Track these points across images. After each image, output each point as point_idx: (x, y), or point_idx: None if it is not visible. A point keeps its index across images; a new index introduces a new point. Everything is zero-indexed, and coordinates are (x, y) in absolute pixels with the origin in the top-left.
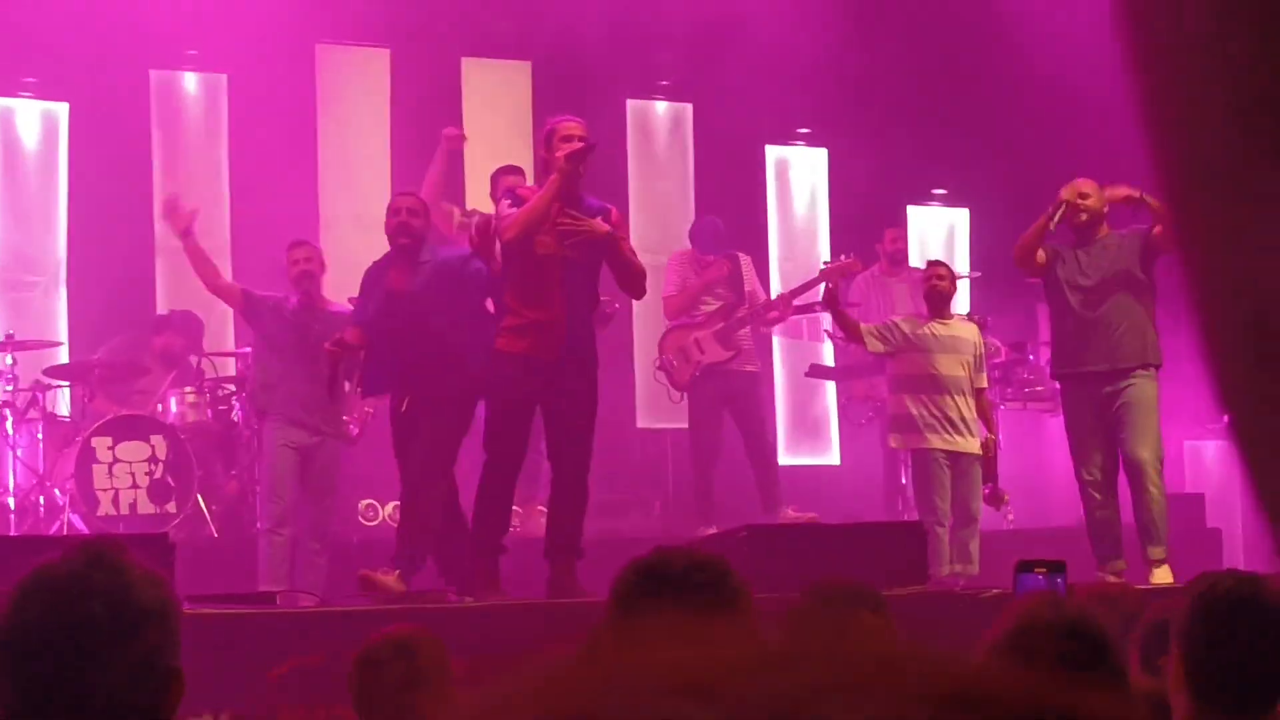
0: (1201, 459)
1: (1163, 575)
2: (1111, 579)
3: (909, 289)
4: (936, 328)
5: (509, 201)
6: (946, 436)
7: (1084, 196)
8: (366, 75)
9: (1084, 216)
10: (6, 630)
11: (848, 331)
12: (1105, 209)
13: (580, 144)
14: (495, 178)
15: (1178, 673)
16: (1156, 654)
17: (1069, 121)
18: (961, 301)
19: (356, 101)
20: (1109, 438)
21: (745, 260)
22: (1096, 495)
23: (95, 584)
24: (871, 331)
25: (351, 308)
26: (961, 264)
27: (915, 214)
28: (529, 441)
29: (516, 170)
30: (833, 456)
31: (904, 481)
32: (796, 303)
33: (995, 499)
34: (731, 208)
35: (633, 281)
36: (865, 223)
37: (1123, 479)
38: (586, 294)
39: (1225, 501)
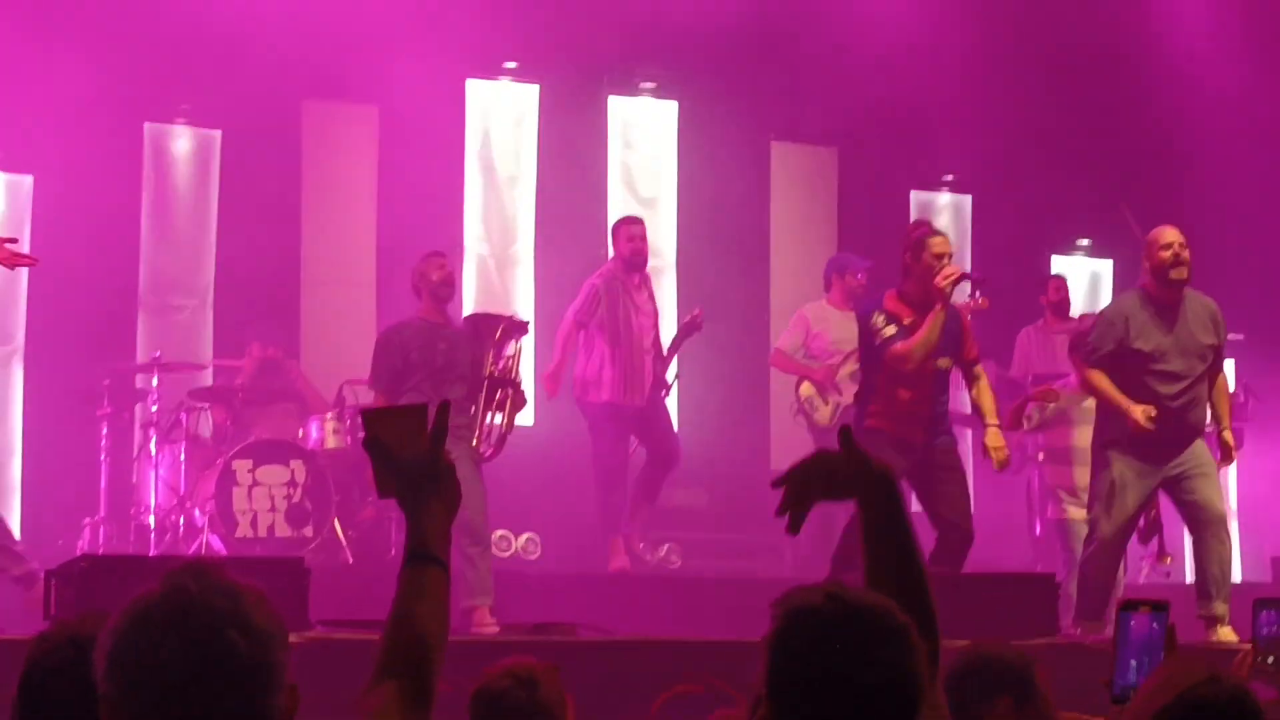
0: None
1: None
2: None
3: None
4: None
5: (884, 319)
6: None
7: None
8: (516, 108)
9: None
10: (128, 660)
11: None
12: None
13: (957, 270)
14: (617, 229)
15: None
16: None
17: (1218, 174)
18: None
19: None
20: None
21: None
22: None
23: (221, 609)
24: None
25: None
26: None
27: (1059, 263)
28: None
29: (636, 220)
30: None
31: (1038, 534)
32: None
33: (1160, 556)
34: (877, 253)
35: None
36: (1009, 270)
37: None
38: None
39: None
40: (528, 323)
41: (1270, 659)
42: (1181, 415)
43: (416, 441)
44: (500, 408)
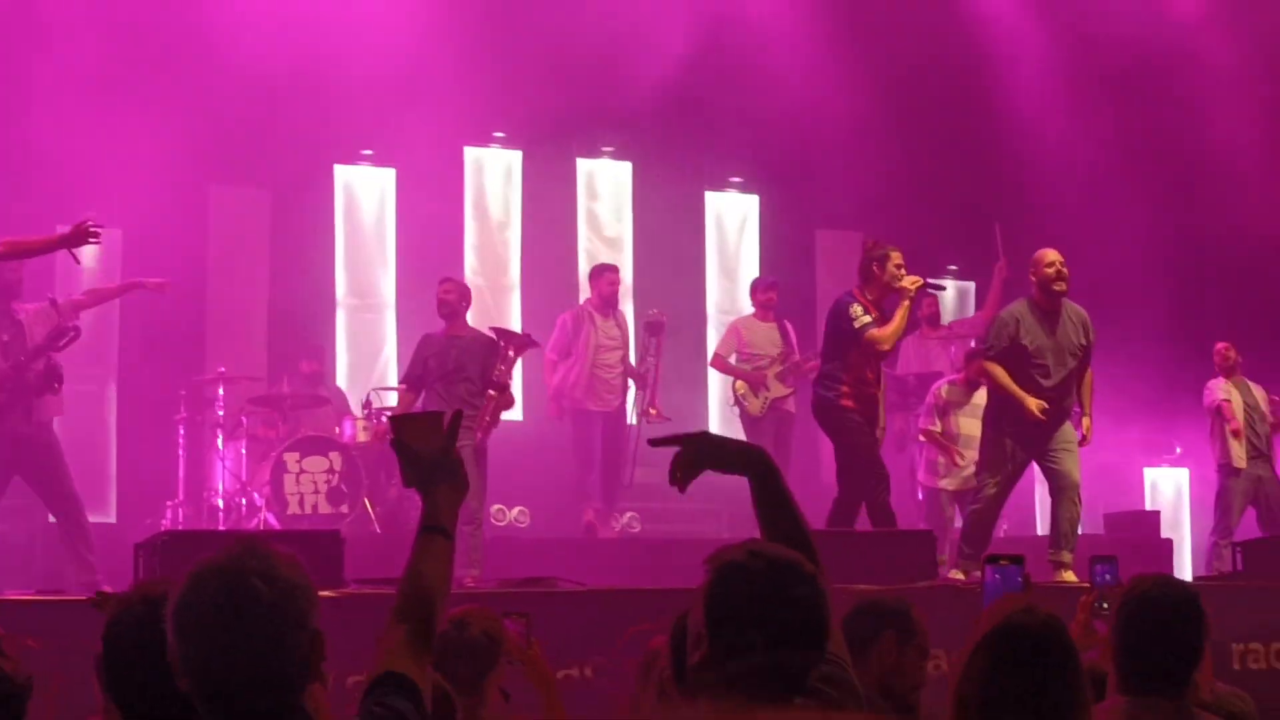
0: (1157, 483)
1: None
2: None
3: (940, 344)
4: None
5: (861, 309)
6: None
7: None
8: (504, 169)
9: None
10: (185, 608)
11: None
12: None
13: (919, 279)
14: (599, 274)
15: (1111, 654)
16: None
17: (1055, 207)
18: None
19: (494, 188)
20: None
21: (789, 327)
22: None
23: (251, 567)
24: None
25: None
26: None
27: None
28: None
29: (615, 268)
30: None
31: (920, 498)
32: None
33: None
34: (788, 278)
35: None
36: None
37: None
38: None
39: (1175, 518)
40: (535, 341)
41: (1104, 604)
42: (1057, 402)
43: (433, 439)
44: (495, 406)
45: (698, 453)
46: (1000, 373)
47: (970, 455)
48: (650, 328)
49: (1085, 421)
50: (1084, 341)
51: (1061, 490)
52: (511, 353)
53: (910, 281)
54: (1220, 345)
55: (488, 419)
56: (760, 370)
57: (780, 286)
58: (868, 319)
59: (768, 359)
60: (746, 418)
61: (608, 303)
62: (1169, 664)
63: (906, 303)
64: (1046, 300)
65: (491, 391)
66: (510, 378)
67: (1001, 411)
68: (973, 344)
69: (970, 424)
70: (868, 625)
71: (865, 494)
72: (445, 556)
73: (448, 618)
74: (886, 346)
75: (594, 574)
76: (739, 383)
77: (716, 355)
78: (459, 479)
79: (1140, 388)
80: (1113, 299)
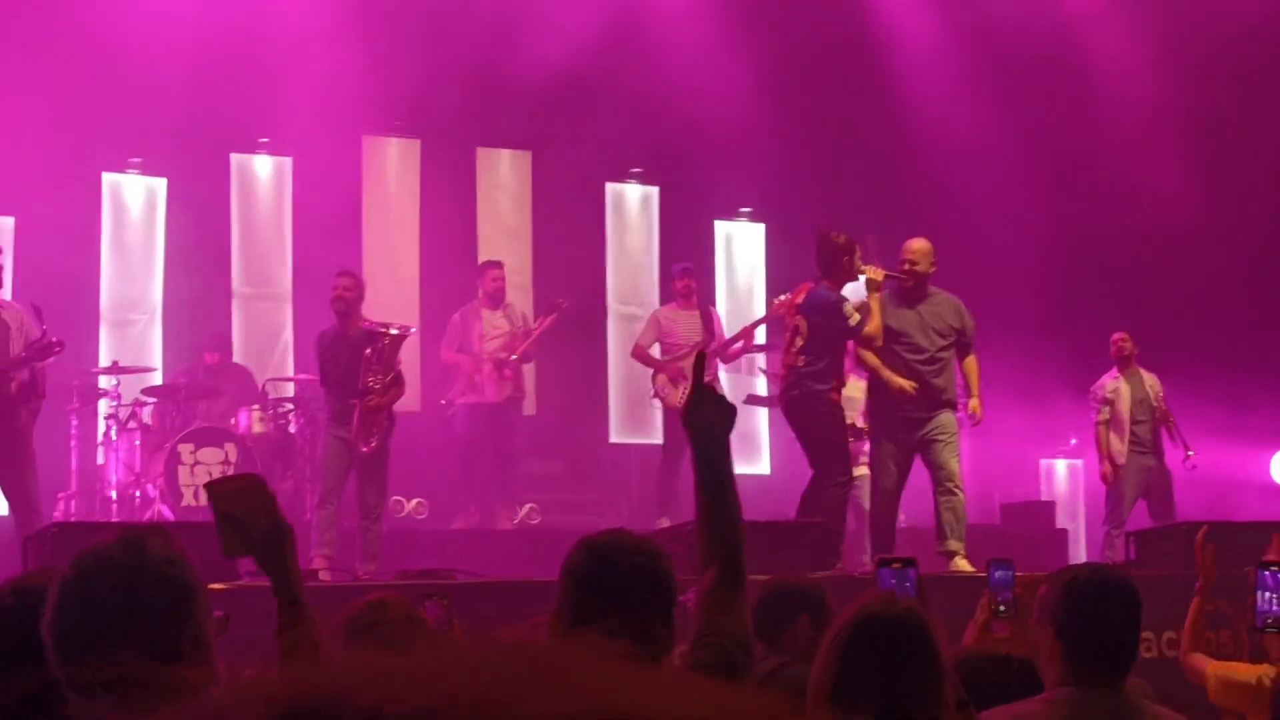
0: (1052, 473)
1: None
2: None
3: None
4: None
5: (851, 306)
6: None
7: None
8: (403, 159)
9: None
10: (65, 599)
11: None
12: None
13: (884, 271)
14: (484, 271)
15: (1051, 647)
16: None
17: (964, 201)
18: None
19: (395, 179)
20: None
21: (715, 314)
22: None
23: (128, 556)
24: None
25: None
26: None
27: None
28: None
29: (499, 264)
30: (763, 467)
31: None
32: (737, 347)
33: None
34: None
35: None
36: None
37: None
38: None
39: (1070, 508)
40: (410, 330)
41: (1001, 606)
42: (928, 381)
43: (260, 510)
44: (366, 411)
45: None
46: (870, 356)
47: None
48: (546, 306)
49: (973, 402)
50: (957, 325)
51: (939, 482)
52: (369, 351)
53: (875, 272)
54: (1116, 336)
55: (384, 419)
56: (679, 361)
57: (696, 272)
58: (859, 317)
59: (688, 348)
60: (668, 411)
61: (493, 298)
62: (1114, 653)
63: (877, 294)
64: (905, 286)
65: (354, 400)
66: (381, 380)
67: (878, 403)
68: None
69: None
70: (783, 609)
71: (836, 490)
72: (311, 633)
73: (365, 601)
74: (879, 342)
75: (492, 565)
76: (659, 375)
77: (637, 346)
78: (293, 543)
79: (1035, 378)
80: (1008, 287)
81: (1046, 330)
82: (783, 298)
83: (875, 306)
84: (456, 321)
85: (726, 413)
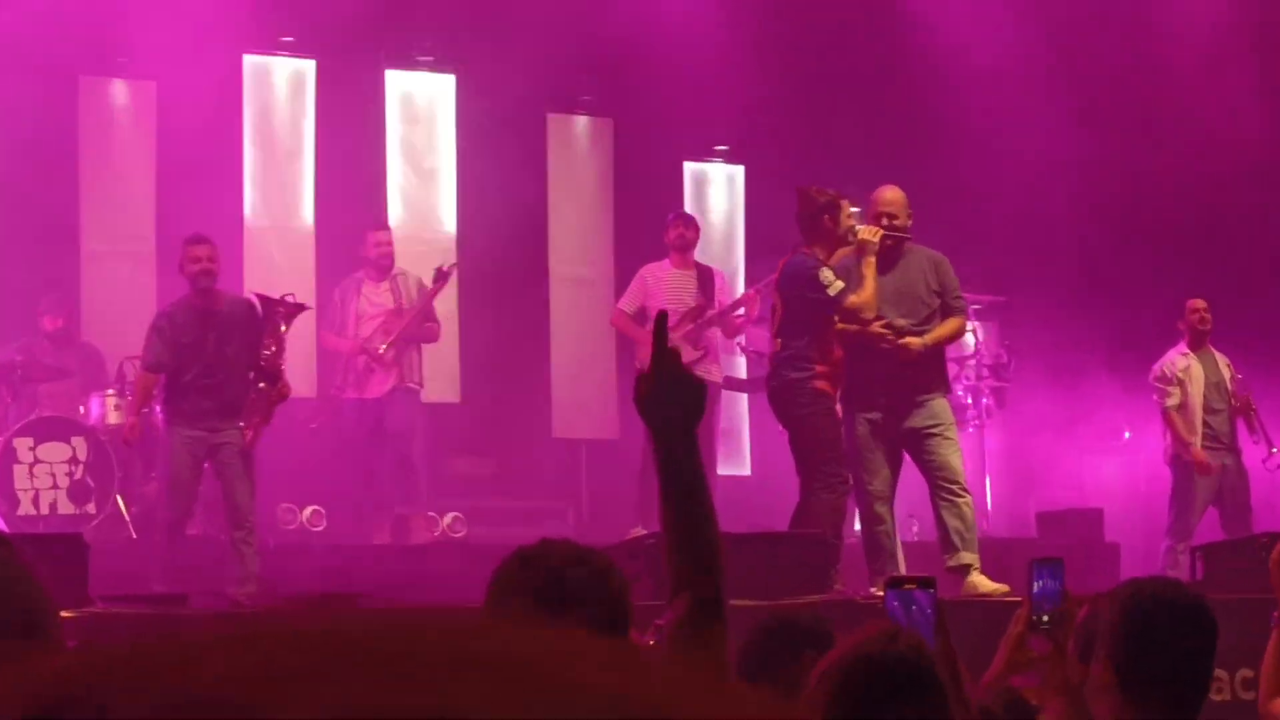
0: (1100, 474)
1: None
2: None
3: None
4: None
5: (832, 274)
6: None
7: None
8: (294, 84)
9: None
10: None
11: None
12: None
13: (880, 229)
14: (366, 235)
15: (1103, 681)
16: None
17: (984, 144)
18: None
19: (281, 109)
20: None
21: (719, 274)
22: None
23: None
24: None
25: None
26: None
27: None
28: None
29: (384, 228)
30: (744, 467)
31: None
32: (741, 315)
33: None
34: (649, 224)
35: None
36: (783, 238)
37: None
38: None
39: (1123, 516)
40: (306, 305)
41: (1044, 617)
42: (902, 364)
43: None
44: (264, 397)
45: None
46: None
47: None
48: (436, 275)
49: (913, 340)
50: (936, 286)
51: (938, 484)
52: (283, 326)
53: (870, 232)
54: (1194, 303)
55: (258, 418)
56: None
57: (696, 223)
58: (841, 284)
59: (678, 315)
60: None
61: (378, 267)
62: (1181, 694)
63: (871, 259)
64: (884, 247)
65: (262, 384)
66: (283, 359)
67: (854, 382)
68: None
69: None
70: (783, 647)
71: (827, 496)
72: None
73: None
74: (870, 314)
75: (408, 589)
76: (643, 350)
77: (617, 312)
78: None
79: (1077, 356)
80: (1040, 246)
81: (1090, 298)
82: None
83: (869, 273)
84: (336, 299)
85: (695, 396)
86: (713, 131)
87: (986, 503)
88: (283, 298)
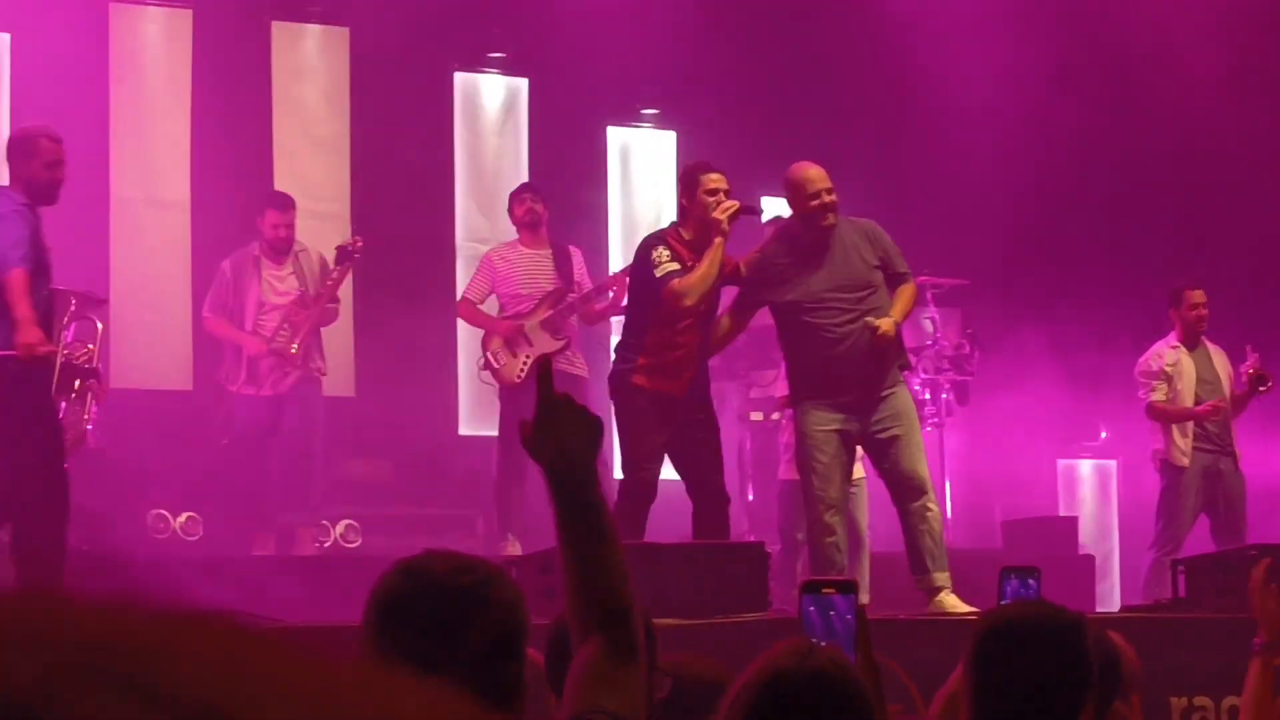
0: (1074, 478)
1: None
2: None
3: None
4: None
5: (668, 254)
6: None
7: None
8: (168, 38)
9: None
10: None
11: None
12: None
13: (735, 204)
14: (264, 210)
15: (967, 705)
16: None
17: (949, 118)
18: None
19: (155, 67)
20: None
21: (576, 253)
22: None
23: None
24: None
25: None
26: None
27: (772, 206)
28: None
29: (287, 205)
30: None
31: (750, 499)
32: (606, 301)
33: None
34: (569, 193)
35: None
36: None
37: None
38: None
39: (1100, 525)
40: (105, 300)
41: None
42: (853, 351)
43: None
44: (79, 399)
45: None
46: (727, 321)
47: None
48: (339, 255)
49: (884, 321)
50: (875, 262)
51: (904, 494)
52: (95, 321)
53: (722, 210)
54: (1194, 296)
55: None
56: (523, 319)
57: (548, 196)
58: (673, 266)
59: (533, 301)
60: (504, 388)
61: (275, 248)
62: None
63: (719, 240)
64: (809, 234)
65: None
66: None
67: (801, 371)
68: None
69: None
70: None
71: (622, 499)
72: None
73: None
74: (689, 301)
75: (293, 605)
76: (493, 339)
77: (464, 300)
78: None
79: (1051, 347)
80: (1008, 224)
81: (1064, 282)
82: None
83: (711, 254)
84: (226, 273)
85: (590, 429)
86: (642, 93)
87: (947, 510)
88: (74, 292)
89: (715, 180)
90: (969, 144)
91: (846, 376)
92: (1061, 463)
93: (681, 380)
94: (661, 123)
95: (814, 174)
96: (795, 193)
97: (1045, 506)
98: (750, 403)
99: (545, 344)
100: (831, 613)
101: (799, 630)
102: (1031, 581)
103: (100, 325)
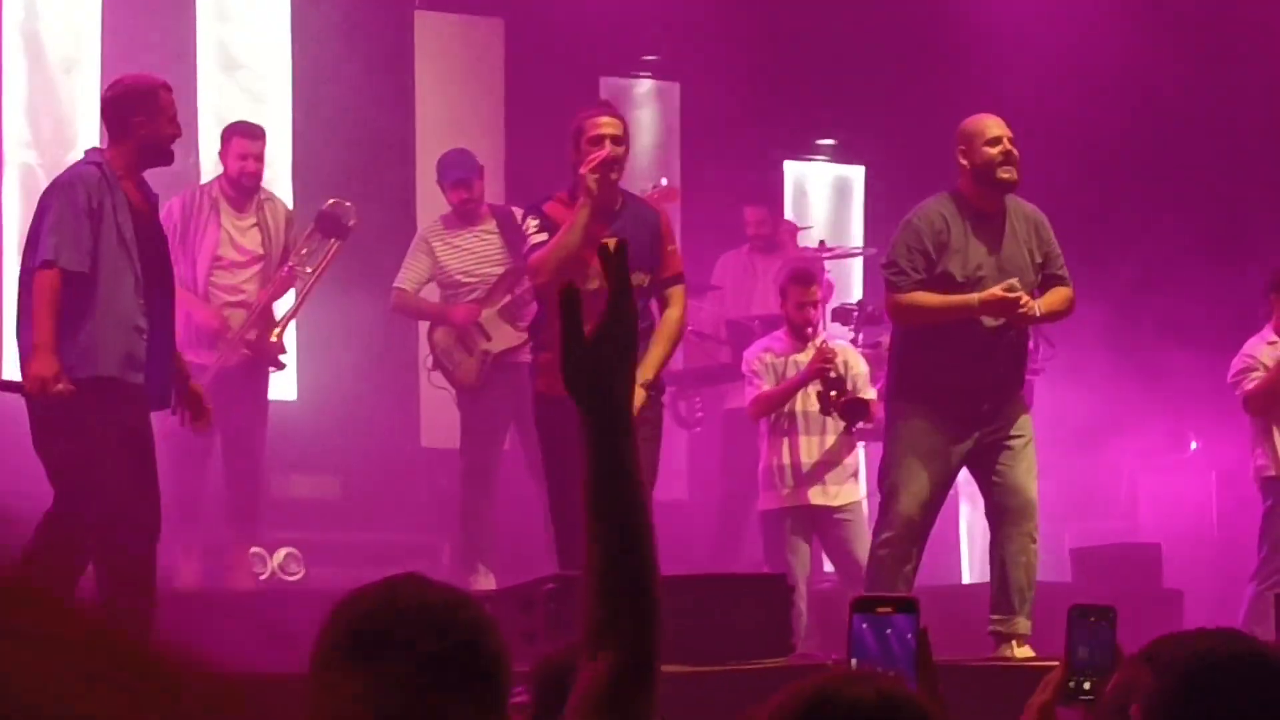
0: (1158, 498)
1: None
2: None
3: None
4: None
5: (537, 223)
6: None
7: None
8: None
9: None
10: None
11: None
12: None
13: (606, 152)
14: (228, 139)
15: None
16: None
17: (983, 61)
18: (855, 287)
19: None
20: None
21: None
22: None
23: None
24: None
25: None
26: (855, 236)
27: (796, 171)
28: None
29: (257, 136)
30: (678, 489)
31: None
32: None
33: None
34: (550, 158)
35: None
36: (730, 178)
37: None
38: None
39: (1188, 553)
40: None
41: (1086, 684)
42: (1004, 355)
43: None
44: None
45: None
46: (928, 300)
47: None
48: (324, 223)
49: (1034, 303)
50: (1039, 259)
51: (1010, 516)
52: None
53: (588, 165)
54: None
55: None
56: (471, 306)
57: (476, 167)
58: (540, 237)
59: (484, 286)
60: (460, 391)
61: (240, 187)
62: None
63: (584, 202)
64: (984, 196)
65: None
66: None
67: (905, 374)
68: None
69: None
70: None
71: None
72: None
73: None
74: (542, 278)
75: (223, 643)
76: (437, 332)
77: (397, 292)
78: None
79: (1132, 345)
80: (1079, 190)
81: (1149, 268)
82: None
83: (572, 222)
84: (175, 214)
85: (631, 335)
86: (638, 41)
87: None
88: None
89: (601, 125)
90: (1022, 104)
91: (983, 378)
92: (1143, 480)
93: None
94: (660, 73)
95: (993, 120)
96: (971, 141)
97: (1123, 531)
98: None
99: (504, 337)
100: (889, 632)
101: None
102: (1104, 624)
103: None
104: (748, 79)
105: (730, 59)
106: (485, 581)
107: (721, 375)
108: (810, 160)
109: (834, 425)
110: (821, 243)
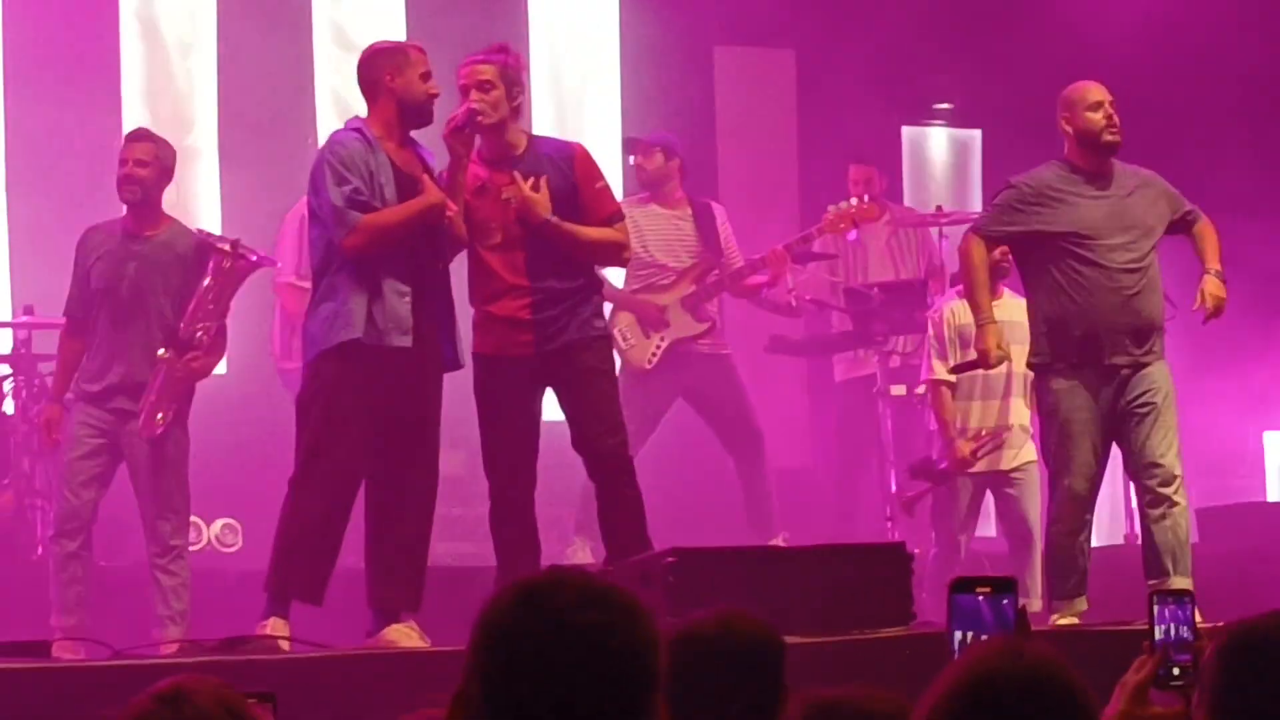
0: None
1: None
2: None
3: (898, 240)
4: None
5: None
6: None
7: None
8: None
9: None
10: None
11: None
12: None
13: (460, 111)
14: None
15: None
16: None
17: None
18: None
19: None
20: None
21: (719, 210)
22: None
23: None
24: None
25: None
26: (974, 201)
27: (912, 136)
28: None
29: None
30: (801, 455)
31: (892, 490)
32: (761, 276)
33: None
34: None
35: (595, 256)
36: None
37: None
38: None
39: None
40: (263, 258)
41: (1176, 669)
42: (1131, 307)
43: None
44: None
45: None
46: (978, 255)
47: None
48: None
49: (1208, 280)
50: (1167, 211)
51: (1149, 486)
52: (209, 280)
53: (447, 125)
54: None
55: (154, 398)
56: (660, 295)
57: (679, 149)
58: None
59: (673, 274)
60: (629, 372)
61: None
62: None
63: (458, 159)
64: (1091, 160)
65: (163, 351)
66: (212, 329)
67: (1042, 339)
68: None
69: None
70: None
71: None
72: None
73: (153, 693)
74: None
75: (348, 627)
76: (623, 315)
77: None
78: None
79: (1259, 298)
80: (1214, 162)
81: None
82: (845, 205)
83: (450, 178)
84: (295, 223)
85: None
86: (750, 8)
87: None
88: (225, 246)
89: (463, 75)
90: (1138, 69)
91: (1114, 332)
92: (1270, 435)
93: (519, 339)
94: (776, 41)
95: (1094, 86)
96: (1073, 108)
97: (1250, 490)
98: (891, 374)
99: (685, 326)
100: (989, 611)
101: (947, 643)
102: (1183, 608)
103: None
104: (864, 46)
105: (846, 26)
106: (582, 554)
107: (842, 344)
108: (928, 125)
109: (1018, 387)
110: (939, 207)
